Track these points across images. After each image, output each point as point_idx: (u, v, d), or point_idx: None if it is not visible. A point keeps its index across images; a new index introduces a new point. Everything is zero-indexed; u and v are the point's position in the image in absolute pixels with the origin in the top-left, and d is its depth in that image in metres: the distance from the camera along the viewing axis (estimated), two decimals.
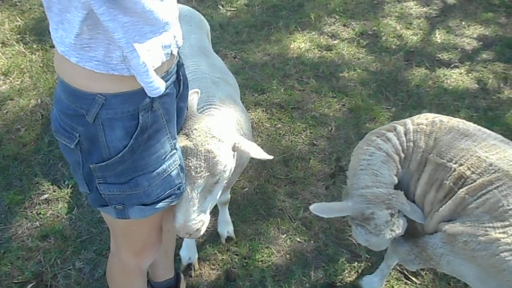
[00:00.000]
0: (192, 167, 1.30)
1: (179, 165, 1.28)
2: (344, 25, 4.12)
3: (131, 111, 1.11)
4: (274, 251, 2.30)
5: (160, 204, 1.28)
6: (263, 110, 3.14)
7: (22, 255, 2.17)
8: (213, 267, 2.22)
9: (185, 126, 1.37)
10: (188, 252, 2.17)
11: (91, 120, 1.10)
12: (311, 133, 3.00)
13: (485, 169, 1.50)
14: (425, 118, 1.70)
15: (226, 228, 2.30)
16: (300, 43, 3.84)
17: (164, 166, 1.23)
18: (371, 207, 1.59)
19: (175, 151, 1.26)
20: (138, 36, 1.02)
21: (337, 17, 4.18)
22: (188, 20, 2.18)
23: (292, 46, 3.80)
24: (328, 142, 2.95)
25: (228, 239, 2.31)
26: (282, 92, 3.30)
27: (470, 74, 3.67)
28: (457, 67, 3.75)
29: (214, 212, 2.35)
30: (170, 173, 1.26)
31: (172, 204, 1.33)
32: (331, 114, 3.17)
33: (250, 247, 2.30)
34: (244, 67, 3.52)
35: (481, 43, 4.02)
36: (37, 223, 2.33)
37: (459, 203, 1.50)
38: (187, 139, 1.33)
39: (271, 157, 1.44)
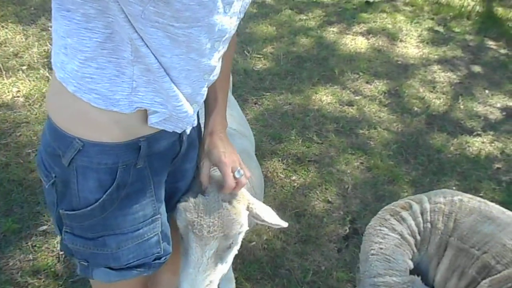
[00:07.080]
0: (205, 226, 1.16)
1: (161, 232, 1.15)
2: (367, 82, 4.09)
3: (109, 164, 1.00)
4: None
5: (129, 273, 1.12)
6: (279, 160, 3.05)
7: None
8: None
9: (197, 185, 1.27)
10: None
11: (66, 164, 1.00)
12: (326, 189, 2.89)
13: (511, 259, 1.36)
14: (443, 196, 1.58)
15: (228, 285, 2.15)
16: (322, 96, 3.80)
17: (141, 230, 1.10)
18: None
19: (158, 215, 1.13)
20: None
21: (360, 73, 4.16)
22: None
23: (313, 97, 3.76)
24: (344, 201, 2.83)
25: None
26: (300, 143, 3.22)
27: (493, 144, 3.57)
28: (479, 135, 3.66)
29: None
30: (148, 239, 1.12)
31: (144, 275, 1.16)
32: (348, 171, 3.06)
33: None
34: (264, 114, 3.47)
35: (504, 113, 3.94)
36: (30, 256, 2.20)
37: None
38: (200, 195, 1.22)
39: (285, 224, 1.29)
